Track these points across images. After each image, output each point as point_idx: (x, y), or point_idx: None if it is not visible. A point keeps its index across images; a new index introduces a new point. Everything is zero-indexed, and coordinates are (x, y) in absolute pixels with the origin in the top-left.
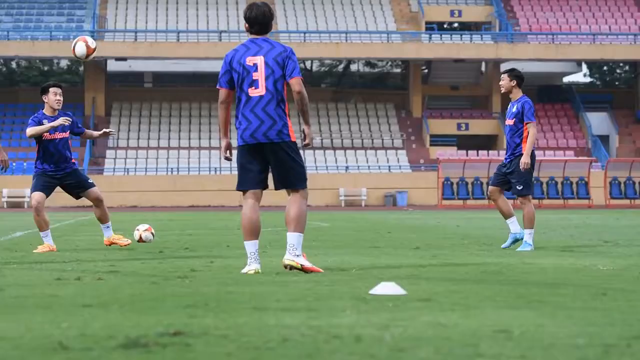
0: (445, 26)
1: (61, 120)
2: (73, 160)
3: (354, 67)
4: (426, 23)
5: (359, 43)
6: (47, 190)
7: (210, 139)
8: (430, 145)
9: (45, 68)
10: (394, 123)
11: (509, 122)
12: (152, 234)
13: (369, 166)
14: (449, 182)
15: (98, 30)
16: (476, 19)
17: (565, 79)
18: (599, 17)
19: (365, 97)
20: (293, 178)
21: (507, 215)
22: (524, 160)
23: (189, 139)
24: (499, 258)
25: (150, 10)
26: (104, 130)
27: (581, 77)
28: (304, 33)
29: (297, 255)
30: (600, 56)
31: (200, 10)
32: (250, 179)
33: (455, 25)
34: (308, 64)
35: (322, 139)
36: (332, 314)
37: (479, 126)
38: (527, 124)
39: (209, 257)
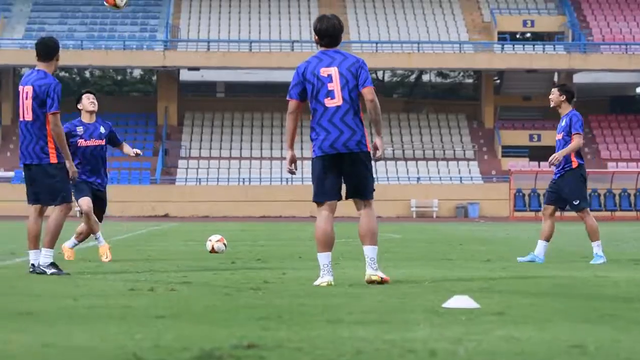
0: (517, 36)
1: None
2: (108, 171)
3: (425, 78)
4: (499, 33)
5: (431, 53)
6: (91, 195)
7: (281, 149)
8: (502, 156)
9: (119, 77)
10: (465, 134)
11: (558, 136)
12: (224, 244)
13: (440, 177)
14: (520, 194)
15: (171, 39)
16: (549, 29)
17: (639, 90)
18: None
19: (437, 108)
20: (365, 189)
21: (544, 237)
22: (555, 156)
23: (261, 149)
24: (571, 271)
25: (223, 20)
26: (136, 151)
27: None
28: (376, 43)
29: (377, 269)
30: None
31: (272, 20)
32: (327, 190)
33: (528, 35)
34: (380, 74)
35: (393, 150)
36: (405, 327)
37: (552, 137)
38: (574, 134)
39: (281, 269)
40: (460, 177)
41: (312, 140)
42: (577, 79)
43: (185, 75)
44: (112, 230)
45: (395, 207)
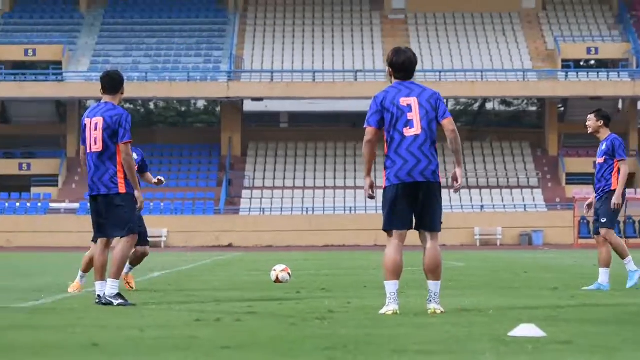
0: (581, 63)
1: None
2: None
3: (489, 106)
4: (562, 61)
5: (495, 82)
6: None
7: (345, 178)
8: (567, 183)
9: (183, 109)
10: (529, 162)
11: (600, 160)
12: (288, 274)
13: (504, 205)
14: (585, 221)
15: (235, 70)
16: (613, 56)
17: None
18: None
19: (501, 136)
20: (434, 221)
21: (603, 264)
22: (615, 200)
23: (324, 178)
24: (637, 298)
25: (286, 50)
26: (159, 178)
27: None
28: (440, 72)
29: (439, 303)
30: None
31: (336, 50)
32: (399, 219)
33: (592, 62)
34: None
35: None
36: (471, 357)
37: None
38: (618, 161)
39: (346, 298)
40: (524, 205)
41: (386, 168)
42: None
43: (248, 106)
44: (177, 260)
45: (458, 235)
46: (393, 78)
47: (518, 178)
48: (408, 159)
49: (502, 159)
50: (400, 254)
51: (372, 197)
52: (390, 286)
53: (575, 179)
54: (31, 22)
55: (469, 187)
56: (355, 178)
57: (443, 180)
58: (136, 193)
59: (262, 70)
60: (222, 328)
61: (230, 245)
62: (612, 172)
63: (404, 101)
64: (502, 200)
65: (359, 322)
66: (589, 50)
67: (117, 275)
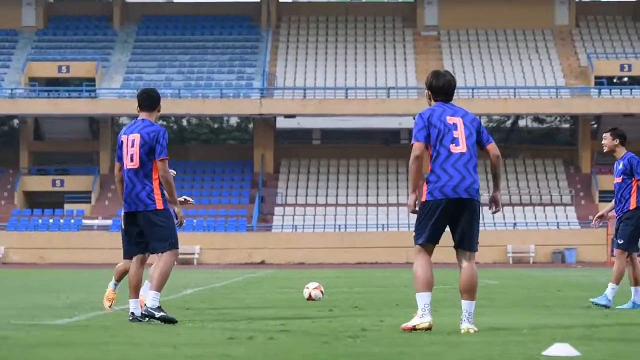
0: (614, 80)
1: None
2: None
3: (522, 123)
4: (595, 77)
5: (527, 98)
6: None
7: (377, 195)
8: (600, 201)
9: (215, 125)
10: (562, 179)
11: (617, 179)
12: (321, 292)
13: (537, 222)
14: None
15: (267, 87)
16: None
17: None
18: None
19: (534, 153)
20: (474, 240)
21: (634, 282)
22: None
23: (357, 195)
24: None
25: (319, 67)
26: (184, 197)
27: None
28: (472, 89)
29: (472, 322)
30: None
31: (368, 67)
32: (435, 234)
33: (625, 79)
34: None
35: (489, 195)
36: None
37: None
38: (637, 180)
39: (378, 316)
40: (557, 222)
41: (428, 182)
42: None
43: (281, 123)
44: (210, 277)
45: (491, 253)
46: (432, 101)
47: (551, 195)
48: (453, 175)
49: (534, 176)
50: (431, 267)
51: (415, 212)
52: (424, 298)
53: (609, 196)
54: (65, 39)
55: (502, 205)
56: (387, 195)
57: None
58: (176, 209)
59: (295, 87)
60: (255, 346)
61: (262, 263)
62: (630, 191)
63: (450, 119)
64: (535, 218)
65: (392, 340)
66: (622, 67)
67: (159, 288)
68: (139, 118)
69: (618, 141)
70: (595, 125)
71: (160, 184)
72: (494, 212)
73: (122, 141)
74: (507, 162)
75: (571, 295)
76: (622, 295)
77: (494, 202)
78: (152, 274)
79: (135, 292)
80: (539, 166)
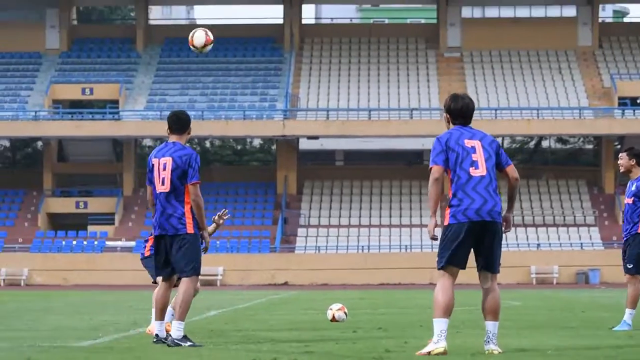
0: (638, 101)
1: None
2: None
3: (545, 144)
4: (619, 98)
5: (551, 119)
6: None
7: (400, 216)
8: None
9: (239, 147)
10: (586, 200)
11: (628, 200)
12: (345, 313)
13: (560, 243)
14: None
15: (290, 109)
16: None
17: None
18: None
19: (557, 174)
20: (496, 262)
21: (629, 304)
22: None
23: (380, 216)
24: None
25: (342, 88)
26: (223, 210)
27: None
28: (495, 110)
29: (497, 343)
30: None
31: (391, 89)
32: (459, 258)
33: None
34: (499, 141)
35: (513, 216)
36: None
37: None
38: None
39: (403, 337)
40: (581, 243)
41: (450, 206)
42: None
43: (304, 144)
44: (233, 299)
45: (515, 274)
46: (450, 124)
47: (574, 216)
48: (475, 198)
49: (558, 197)
50: (452, 291)
51: (434, 239)
52: (441, 324)
53: None
54: (88, 61)
55: (525, 225)
56: (410, 216)
57: None
58: (205, 233)
59: (318, 108)
60: None
61: (285, 284)
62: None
63: (468, 142)
64: (559, 239)
65: None
66: None
67: (182, 317)
68: (169, 141)
69: (635, 161)
70: (619, 146)
71: (191, 208)
72: (504, 232)
73: (153, 164)
74: (531, 182)
75: (595, 316)
76: None
77: (505, 222)
78: (174, 304)
79: (160, 314)
80: (562, 187)
